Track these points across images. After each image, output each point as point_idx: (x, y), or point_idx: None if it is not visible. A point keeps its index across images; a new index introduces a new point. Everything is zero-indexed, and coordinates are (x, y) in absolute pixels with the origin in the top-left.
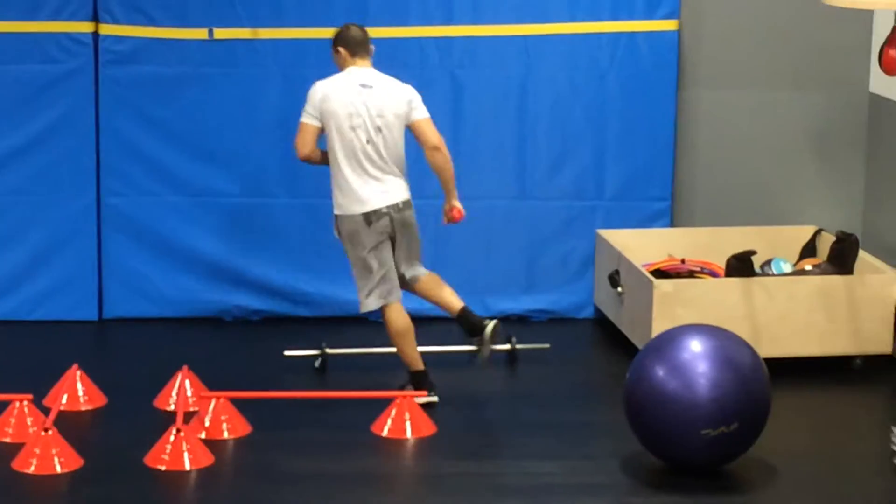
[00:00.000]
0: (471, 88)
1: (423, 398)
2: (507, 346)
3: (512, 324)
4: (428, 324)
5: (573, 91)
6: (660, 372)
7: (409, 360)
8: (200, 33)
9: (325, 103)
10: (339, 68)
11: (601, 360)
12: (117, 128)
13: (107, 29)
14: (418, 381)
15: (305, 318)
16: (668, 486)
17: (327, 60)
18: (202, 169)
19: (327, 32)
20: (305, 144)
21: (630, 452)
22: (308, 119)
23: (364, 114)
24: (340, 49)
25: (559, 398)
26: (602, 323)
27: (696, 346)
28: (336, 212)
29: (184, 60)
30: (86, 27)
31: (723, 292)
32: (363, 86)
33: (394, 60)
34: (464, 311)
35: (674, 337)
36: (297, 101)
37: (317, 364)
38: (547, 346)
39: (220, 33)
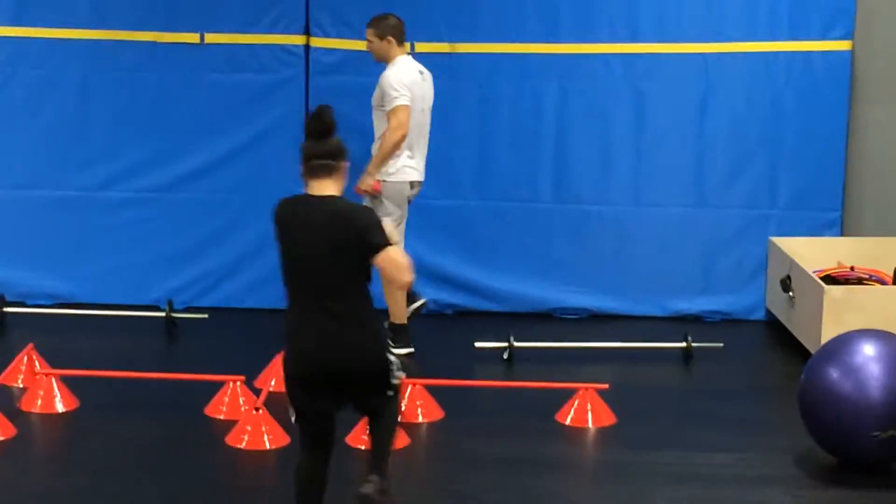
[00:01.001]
0: (653, 101)
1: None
2: (682, 344)
3: (688, 323)
4: (611, 321)
5: (750, 106)
6: (834, 373)
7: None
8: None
9: (411, 89)
10: (380, 55)
11: (772, 360)
12: None
13: (317, 41)
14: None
15: (495, 312)
16: (838, 482)
17: (521, 74)
18: None
19: (521, 48)
20: (407, 124)
21: (802, 448)
22: (407, 101)
23: (427, 99)
24: (390, 38)
25: (733, 395)
26: (773, 325)
27: (869, 350)
28: (391, 180)
29: None
30: (298, 39)
31: (891, 299)
32: (421, 73)
33: (582, 74)
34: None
35: (848, 340)
36: (492, 113)
37: (505, 356)
38: (720, 345)
39: (421, 47)
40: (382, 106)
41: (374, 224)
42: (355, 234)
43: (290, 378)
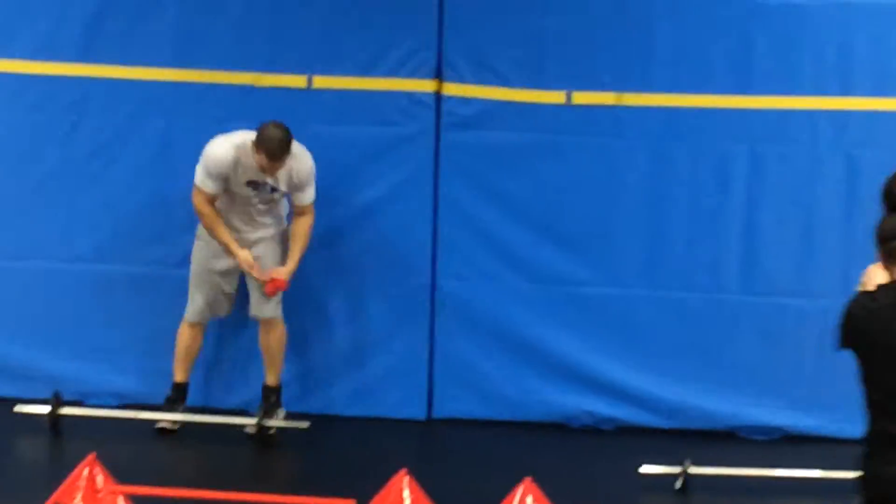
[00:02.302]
0: (870, 171)
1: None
2: None
3: None
4: (811, 443)
5: None
6: None
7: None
8: (557, 97)
9: None
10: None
11: None
12: (458, 201)
13: (451, 89)
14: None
15: (665, 430)
16: None
17: (704, 134)
18: (552, 252)
19: (703, 101)
20: None
21: None
22: None
23: None
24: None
25: None
26: None
27: None
28: None
29: (536, 127)
30: (428, 86)
31: None
32: None
33: (779, 135)
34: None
35: None
36: (665, 177)
37: (678, 485)
38: None
39: (580, 97)
40: (284, 193)
41: None
42: None
43: None
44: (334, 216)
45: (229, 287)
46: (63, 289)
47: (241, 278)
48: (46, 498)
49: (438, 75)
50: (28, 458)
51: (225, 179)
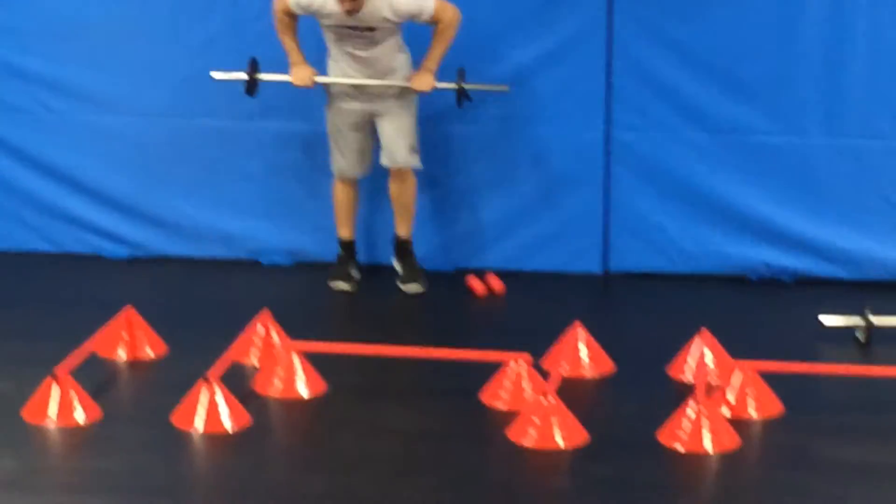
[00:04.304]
0: None
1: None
2: None
3: None
4: None
5: None
6: None
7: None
8: None
9: None
10: None
11: None
12: (632, 50)
13: None
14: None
15: (846, 281)
16: None
17: None
18: (729, 101)
19: None
20: None
21: None
22: None
23: None
24: None
25: None
26: None
27: None
28: None
29: None
30: None
31: None
32: None
33: None
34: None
35: None
36: (844, 20)
37: (859, 335)
38: None
39: None
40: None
41: None
42: None
43: None
44: (504, 68)
45: (363, 143)
46: (233, 146)
47: (375, 131)
48: (222, 353)
49: None
50: (202, 314)
51: (307, 10)
